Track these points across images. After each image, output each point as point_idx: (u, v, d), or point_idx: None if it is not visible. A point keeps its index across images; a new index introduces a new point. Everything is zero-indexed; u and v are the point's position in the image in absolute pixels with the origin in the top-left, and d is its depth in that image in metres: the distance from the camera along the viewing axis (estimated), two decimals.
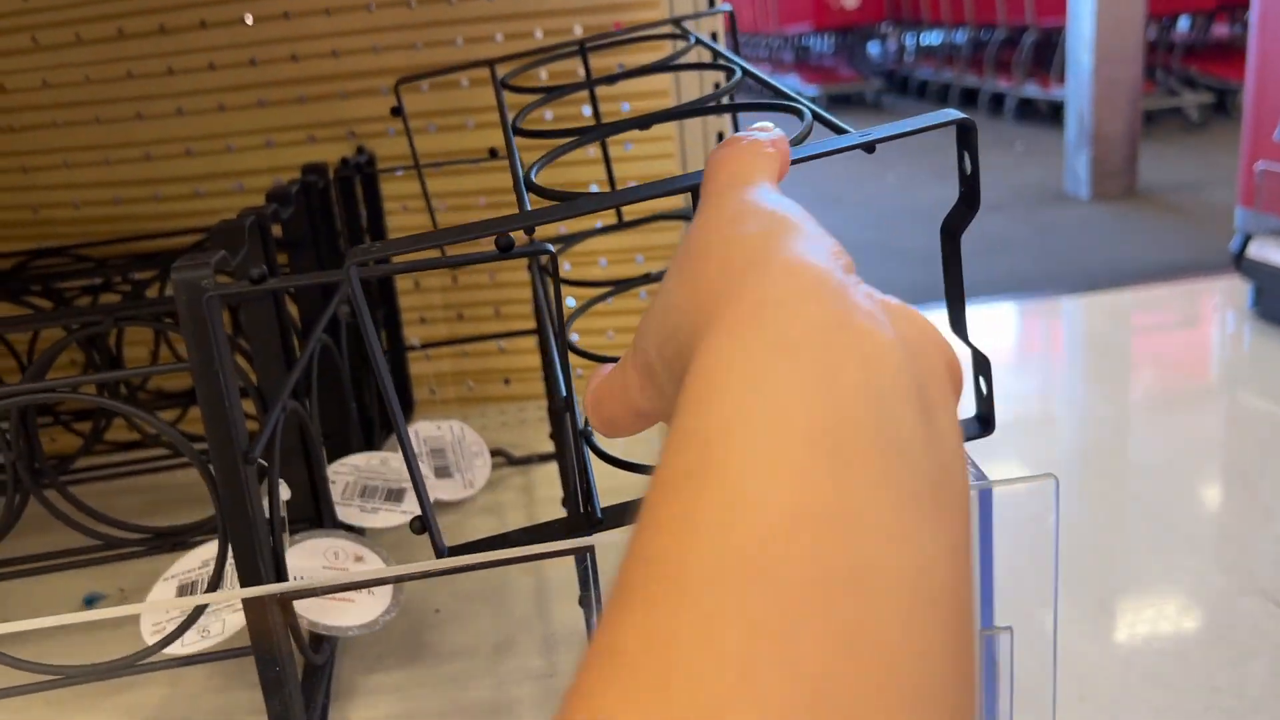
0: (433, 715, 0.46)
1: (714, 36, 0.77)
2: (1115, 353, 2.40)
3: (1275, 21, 2.02)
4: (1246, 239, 2.17)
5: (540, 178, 0.42)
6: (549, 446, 0.72)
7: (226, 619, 0.42)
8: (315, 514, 0.48)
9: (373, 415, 0.68)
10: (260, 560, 0.38)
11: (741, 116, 0.54)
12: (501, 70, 0.61)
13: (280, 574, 0.40)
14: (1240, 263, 2.20)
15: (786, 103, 0.43)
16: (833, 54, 5.83)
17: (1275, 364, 2.08)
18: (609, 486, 0.38)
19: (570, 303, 0.75)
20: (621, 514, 0.37)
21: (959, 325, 0.38)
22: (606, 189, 0.75)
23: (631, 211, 0.69)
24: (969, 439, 0.38)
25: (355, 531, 0.56)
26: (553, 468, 0.70)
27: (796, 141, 0.38)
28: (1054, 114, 4.09)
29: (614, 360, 0.50)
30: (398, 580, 0.36)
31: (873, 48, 5.95)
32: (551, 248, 0.38)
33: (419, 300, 0.81)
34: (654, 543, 0.18)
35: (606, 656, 0.16)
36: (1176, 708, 1.17)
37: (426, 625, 0.53)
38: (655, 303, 0.26)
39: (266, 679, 0.39)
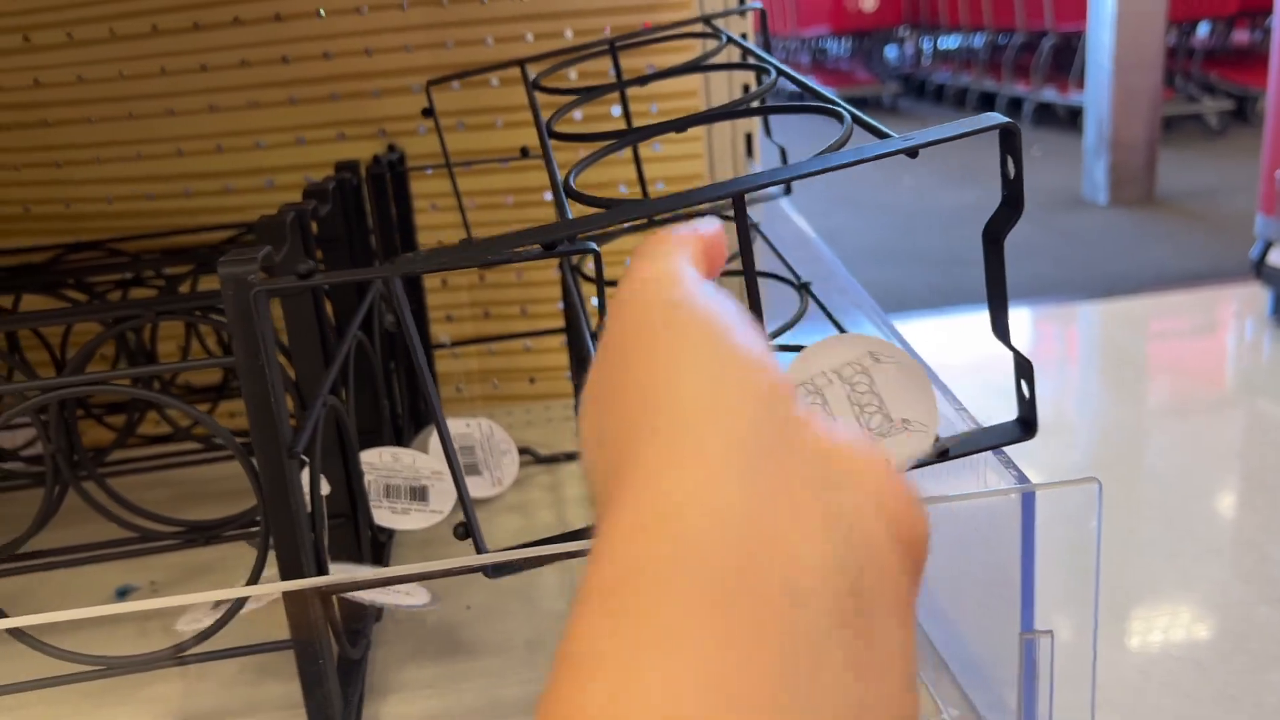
0: (467, 711, 0.46)
1: (743, 36, 0.77)
2: (1133, 359, 2.39)
3: None
4: (1267, 246, 2.16)
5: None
6: (575, 445, 0.72)
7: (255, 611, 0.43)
8: (350, 509, 0.49)
9: (401, 413, 0.68)
10: (302, 554, 0.38)
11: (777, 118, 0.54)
12: (532, 69, 0.61)
13: (320, 568, 0.40)
14: (1260, 270, 2.19)
15: (825, 105, 0.43)
16: (850, 57, 5.82)
17: None
18: None
19: (593, 302, 0.75)
20: None
21: (1001, 328, 0.38)
22: (636, 189, 0.75)
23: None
24: (1012, 442, 0.38)
25: (387, 534, 0.57)
26: (579, 467, 0.71)
27: (837, 146, 0.38)
28: (1071, 119, 4.08)
29: None
30: (442, 575, 0.36)
31: (890, 51, 5.94)
32: (595, 246, 0.38)
33: (446, 298, 0.81)
34: None
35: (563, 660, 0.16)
36: (1194, 717, 1.16)
37: (459, 622, 0.53)
38: (583, 414, 0.22)
39: (306, 672, 0.40)
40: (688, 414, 0.18)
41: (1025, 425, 0.37)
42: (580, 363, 0.60)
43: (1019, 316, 2.54)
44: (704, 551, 0.16)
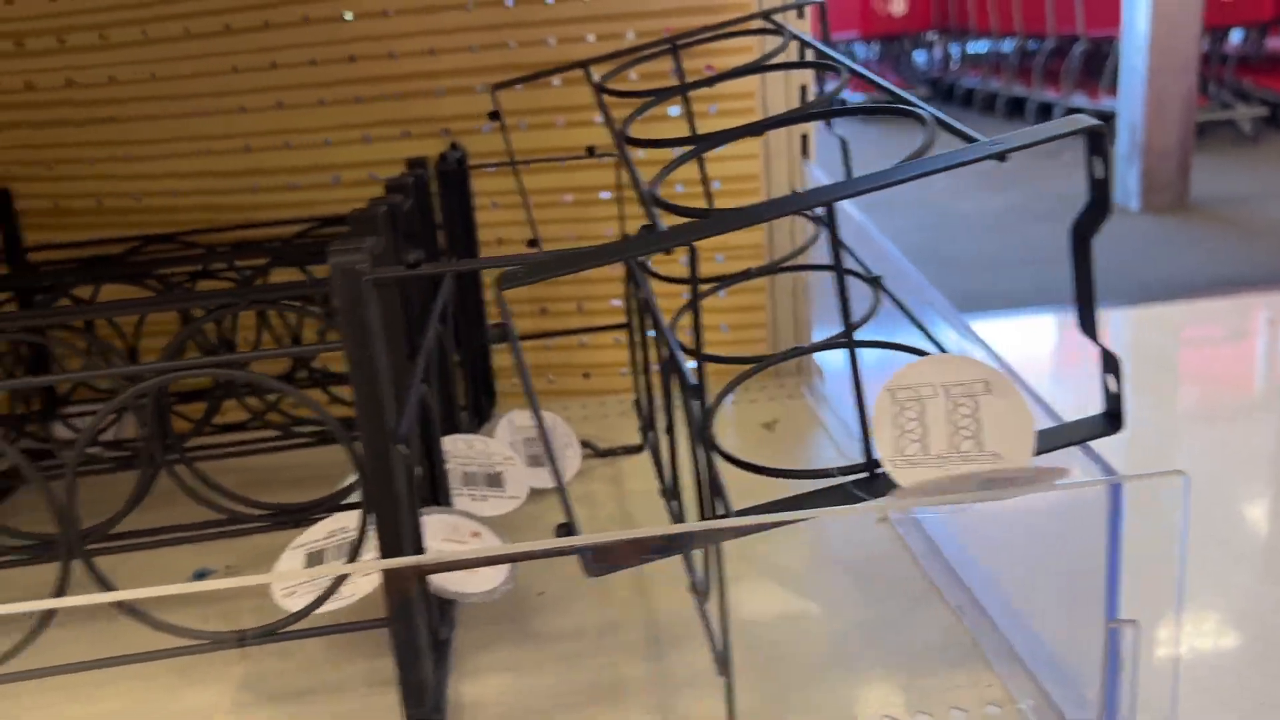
0: (545, 692, 0.47)
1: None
2: (1165, 365, 2.38)
3: None
4: None
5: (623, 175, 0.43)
6: (630, 439, 0.74)
7: (350, 590, 0.44)
8: (432, 495, 0.50)
9: (467, 404, 0.70)
10: (403, 535, 0.39)
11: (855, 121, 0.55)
12: (595, 70, 0.63)
13: (418, 551, 0.41)
14: None
15: (906, 106, 0.44)
16: (878, 61, 5.81)
17: None
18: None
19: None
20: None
21: (1088, 325, 0.38)
22: (694, 188, 0.76)
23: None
24: (1098, 436, 0.39)
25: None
26: (638, 460, 0.72)
27: (921, 152, 0.39)
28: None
29: (719, 359, 0.51)
30: (541, 556, 0.37)
31: (918, 56, 5.93)
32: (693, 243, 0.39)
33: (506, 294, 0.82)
34: None
35: None
36: None
37: (530, 608, 0.54)
38: None
39: (401, 651, 0.41)
40: None
41: (1111, 419, 0.38)
42: (639, 358, 0.61)
43: (1050, 321, 2.53)
44: None
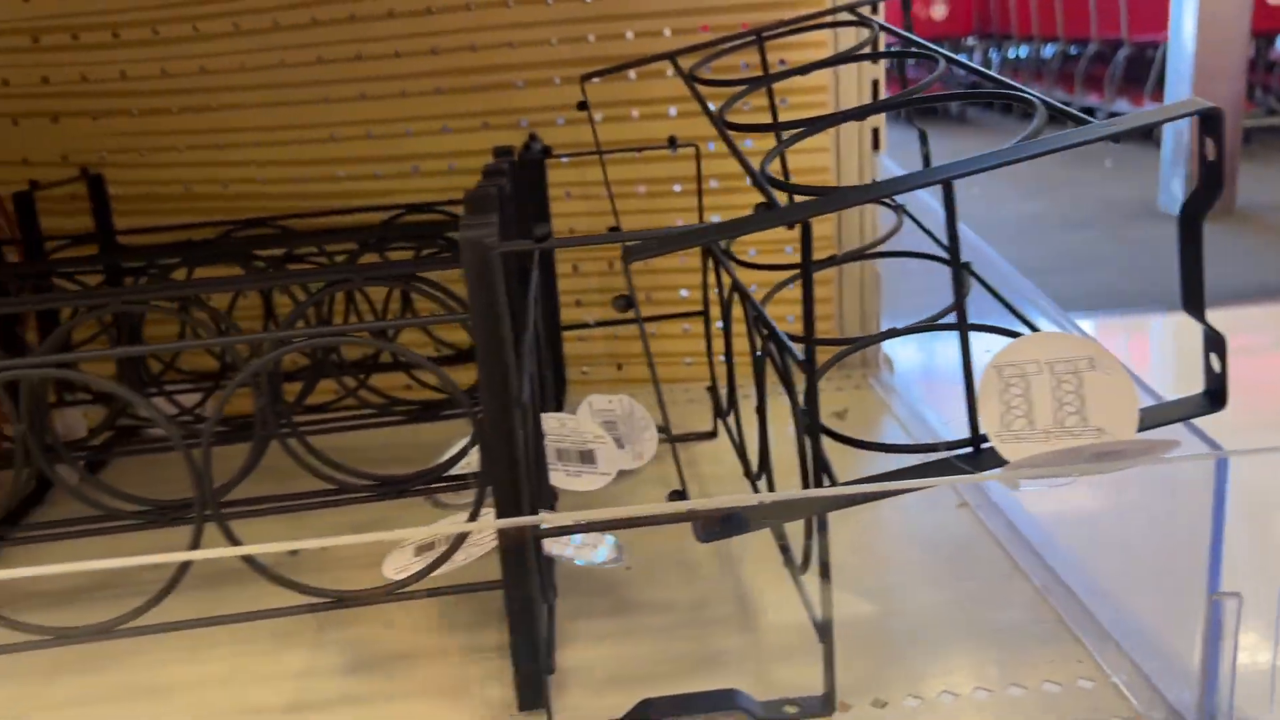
0: (644, 660, 0.48)
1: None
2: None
3: None
4: None
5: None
6: (698, 427, 0.75)
7: (462, 556, 0.46)
8: (536, 469, 0.51)
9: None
10: (522, 500, 0.41)
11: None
12: (682, 62, 0.64)
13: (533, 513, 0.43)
14: None
15: (1014, 93, 0.45)
16: (917, 64, 5.80)
17: None
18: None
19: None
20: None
21: (1195, 303, 0.39)
22: (740, 185, 0.78)
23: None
24: (1200, 414, 0.40)
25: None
26: (710, 446, 0.73)
27: (1033, 135, 0.40)
28: (1145, 130, 4.02)
29: (826, 341, 0.52)
30: (650, 523, 0.39)
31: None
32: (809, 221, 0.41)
33: (577, 284, 0.84)
34: None
35: None
36: None
37: (619, 582, 0.56)
38: None
39: (516, 614, 0.43)
40: None
41: (1214, 397, 0.39)
42: (726, 345, 0.63)
43: (1086, 326, 2.52)
44: None
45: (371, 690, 0.48)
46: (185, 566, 0.41)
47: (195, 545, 0.41)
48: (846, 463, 0.46)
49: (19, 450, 0.47)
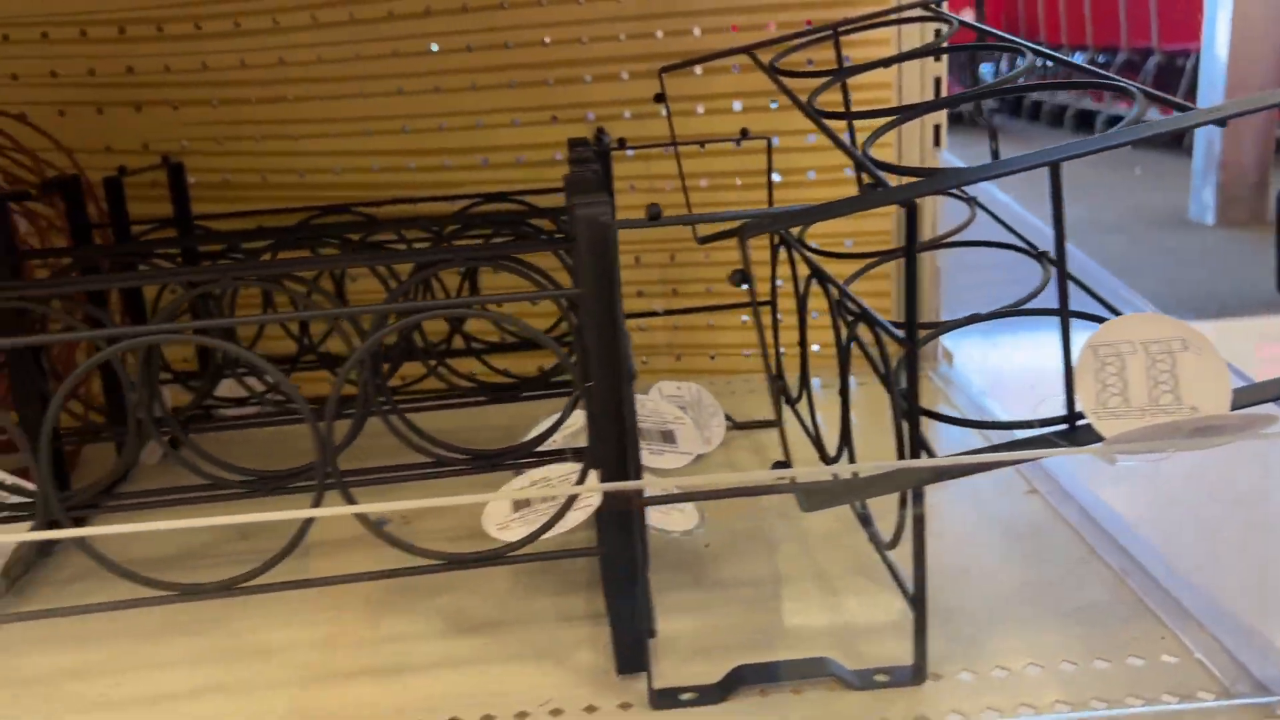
0: (732, 631, 0.50)
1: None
2: (1239, 380, 2.36)
3: None
4: None
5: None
6: (761, 415, 0.76)
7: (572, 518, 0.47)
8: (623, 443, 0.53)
9: None
10: (628, 470, 0.42)
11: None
12: (760, 56, 0.66)
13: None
14: None
15: (1113, 82, 0.46)
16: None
17: None
18: None
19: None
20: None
21: None
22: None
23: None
24: None
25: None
26: (773, 434, 0.74)
27: (1135, 120, 0.42)
28: (1174, 139, 4.01)
29: (928, 325, 0.53)
30: (754, 493, 0.40)
31: (985, 68, 5.90)
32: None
33: (639, 275, 0.86)
34: None
35: None
36: None
37: (700, 558, 0.57)
38: None
39: (613, 580, 0.44)
40: None
41: None
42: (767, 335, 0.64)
43: None
44: None
45: (470, 654, 0.49)
46: (308, 524, 0.43)
47: (317, 505, 0.42)
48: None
49: (133, 419, 0.49)
